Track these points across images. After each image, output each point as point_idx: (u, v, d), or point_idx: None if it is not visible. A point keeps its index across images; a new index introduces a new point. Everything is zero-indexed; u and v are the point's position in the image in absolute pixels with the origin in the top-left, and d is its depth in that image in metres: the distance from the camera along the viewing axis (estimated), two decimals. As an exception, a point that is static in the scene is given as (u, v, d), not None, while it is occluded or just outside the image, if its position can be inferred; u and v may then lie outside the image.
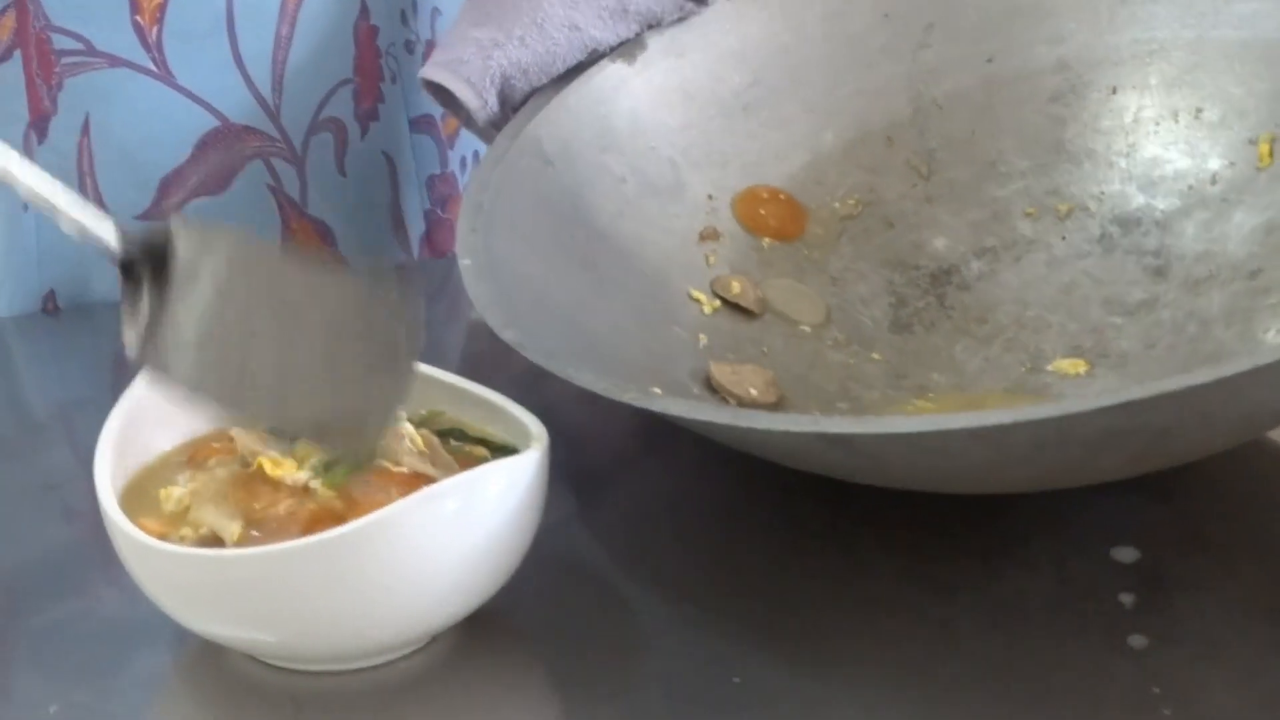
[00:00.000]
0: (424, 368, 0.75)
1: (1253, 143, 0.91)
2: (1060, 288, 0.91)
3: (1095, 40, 0.95)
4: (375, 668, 0.71)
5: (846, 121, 0.97)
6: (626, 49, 0.95)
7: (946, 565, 0.76)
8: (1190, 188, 0.91)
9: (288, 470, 0.71)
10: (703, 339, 0.87)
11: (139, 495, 0.73)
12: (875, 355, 0.89)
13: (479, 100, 0.93)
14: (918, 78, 0.97)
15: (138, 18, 0.99)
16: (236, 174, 1.04)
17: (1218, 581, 0.75)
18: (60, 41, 1.00)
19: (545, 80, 0.94)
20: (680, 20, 0.96)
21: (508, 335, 0.76)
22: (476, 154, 1.14)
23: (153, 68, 1.00)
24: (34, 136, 1.02)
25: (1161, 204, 0.92)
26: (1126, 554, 0.76)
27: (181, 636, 0.73)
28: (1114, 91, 0.95)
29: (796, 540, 0.79)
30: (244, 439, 0.73)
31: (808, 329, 0.90)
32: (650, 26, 0.96)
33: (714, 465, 0.83)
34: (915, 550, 0.77)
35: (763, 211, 0.92)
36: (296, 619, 0.68)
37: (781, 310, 0.90)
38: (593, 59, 0.94)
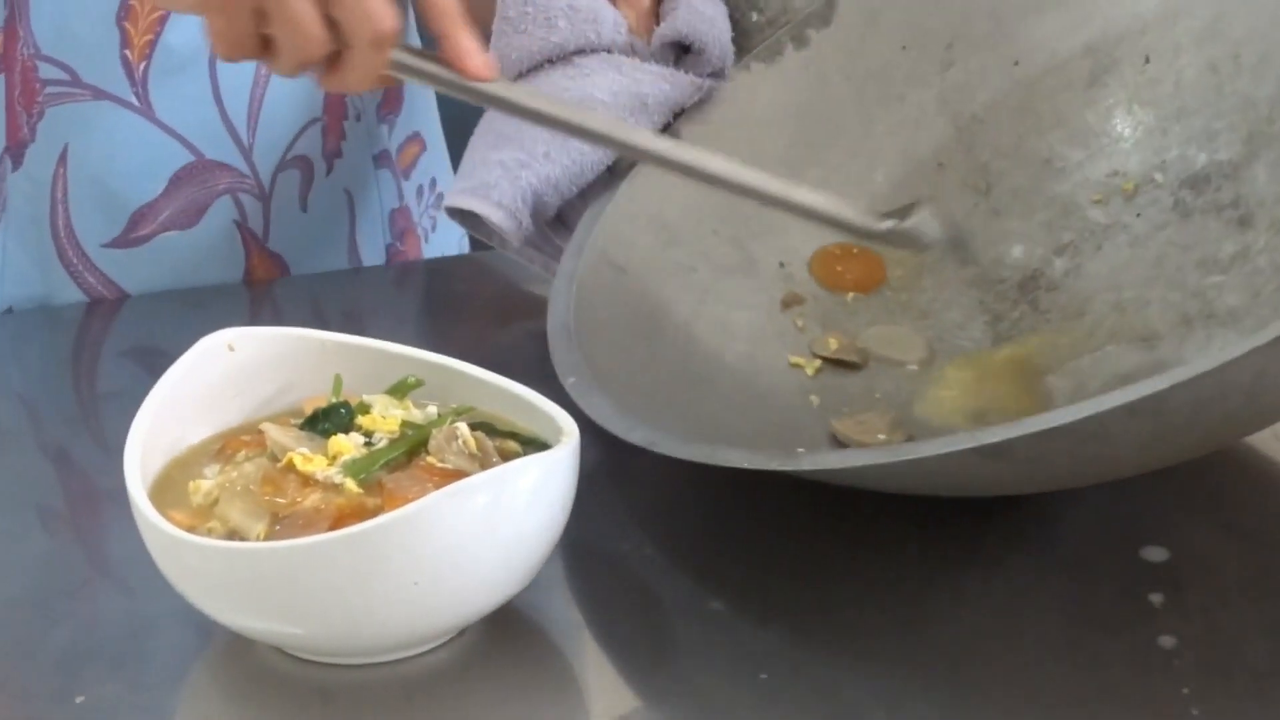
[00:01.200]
0: (456, 363, 0.76)
1: (1300, 73, 0.90)
2: (1149, 264, 0.90)
3: (1116, 15, 0.95)
4: (403, 661, 0.71)
5: (893, 157, 0.96)
6: (661, 142, 0.94)
7: (975, 566, 0.76)
8: (1250, 134, 0.90)
9: (318, 465, 0.72)
10: (815, 400, 0.87)
11: (168, 487, 0.73)
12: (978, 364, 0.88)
13: (514, 222, 0.93)
14: (951, 97, 0.97)
15: (127, 52, 1.00)
16: (206, 209, 1.05)
17: (1247, 582, 0.75)
18: (46, 71, 1.01)
19: (576, 190, 0.94)
20: (702, 101, 0.96)
21: (635, 437, 0.76)
22: (434, 182, 1.16)
23: (135, 101, 1.02)
24: (8, 163, 1.03)
25: (1225, 155, 0.91)
26: (1156, 554, 0.76)
27: (209, 629, 0.72)
28: (1147, 60, 0.94)
29: (825, 539, 0.79)
30: (274, 434, 0.73)
31: (915, 366, 0.89)
32: (674, 115, 0.95)
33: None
34: (944, 552, 0.77)
35: (839, 269, 0.91)
36: (325, 612, 0.68)
37: (884, 354, 0.89)
38: (618, 166, 0.94)
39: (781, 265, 0.93)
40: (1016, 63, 0.96)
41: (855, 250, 0.93)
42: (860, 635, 0.73)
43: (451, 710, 0.70)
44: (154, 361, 0.96)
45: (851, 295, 0.92)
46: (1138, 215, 0.92)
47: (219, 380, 0.78)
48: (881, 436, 0.83)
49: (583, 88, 0.94)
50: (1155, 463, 0.73)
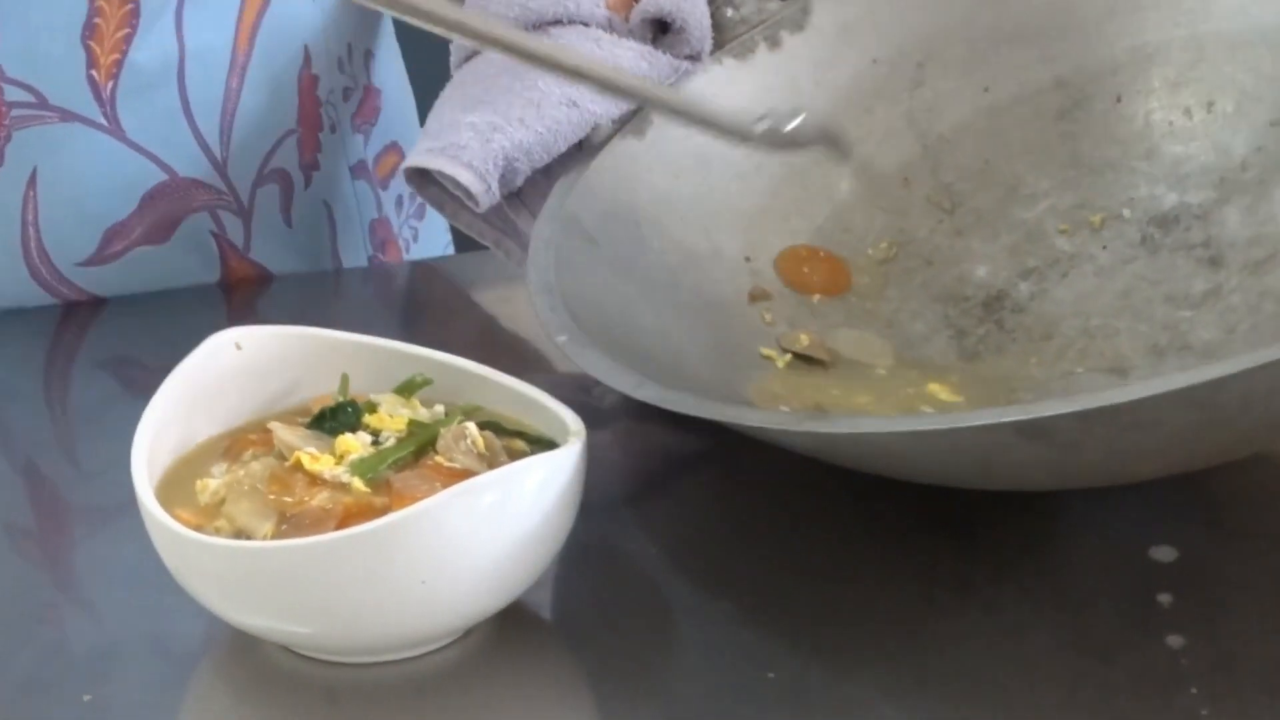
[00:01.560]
0: (464, 362, 0.77)
1: (1275, 124, 0.91)
2: (1116, 294, 0.90)
3: (1088, 55, 0.95)
4: (410, 660, 0.71)
5: (857, 168, 0.95)
6: (635, 125, 0.93)
7: (983, 565, 0.76)
8: (1222, 179, 0.91)
9: (325, 465, 0.72)
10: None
11: (176, 486, 0.74)
12: (953, 379, 0.87)
13: (483, 184, 0.90)
14: (919, 116, 0.96)
15: (93, 72, 0.98)
16: (179, 223, 1.03)
17: (1256, 582, 0.75)
18: (11, 93, 0.98)
19: (548, 159, 0.92)
20: (674, 85, 0.94)
21: (643, 393, 0.73)
22: (413, 192, 1.12)
23: (104, 122, 0.99)
24: None
25: (1195, 198, 0.91)
26: (1165, 554, 0.76)
27: (216, 627, 0.73)
28: (1119, 100, 0.95)
29: (833, 540, 0.78)
30: (282, 433, 0.73)
31: (883, 371, 0.87)
32: None
33: (750, 462, 0.81)
34: (952, 550, 0.77)
35: (806, 270, 0.90)
36: (332, 611, 0.68)
37: (853, 357, 0.88)
38: (595, 133, 0.92)
39: (747, 259, 0.91)
40: (987, 89, 0.96)
41: (822, 254, 0.92)
42: (867, 634, 0.73)
43: (459, 709, 0.70)
44: (129, 374, 0.98)
45: (817, 298, 0.90)
46: (1104, 247, 0.92)
47: (226, 379, 0.77)
48: (784, 408, 0.81)
49: (558, 57, 0.92)
50: (1182, 464, 0.73)
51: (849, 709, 0.69)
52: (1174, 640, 0.71)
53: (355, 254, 1.11)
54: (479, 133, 0.90)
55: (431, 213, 1.17)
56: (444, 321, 1.03)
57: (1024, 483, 0.73)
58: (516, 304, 0.98)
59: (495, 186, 0.90)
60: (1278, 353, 0.64)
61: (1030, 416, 0.66)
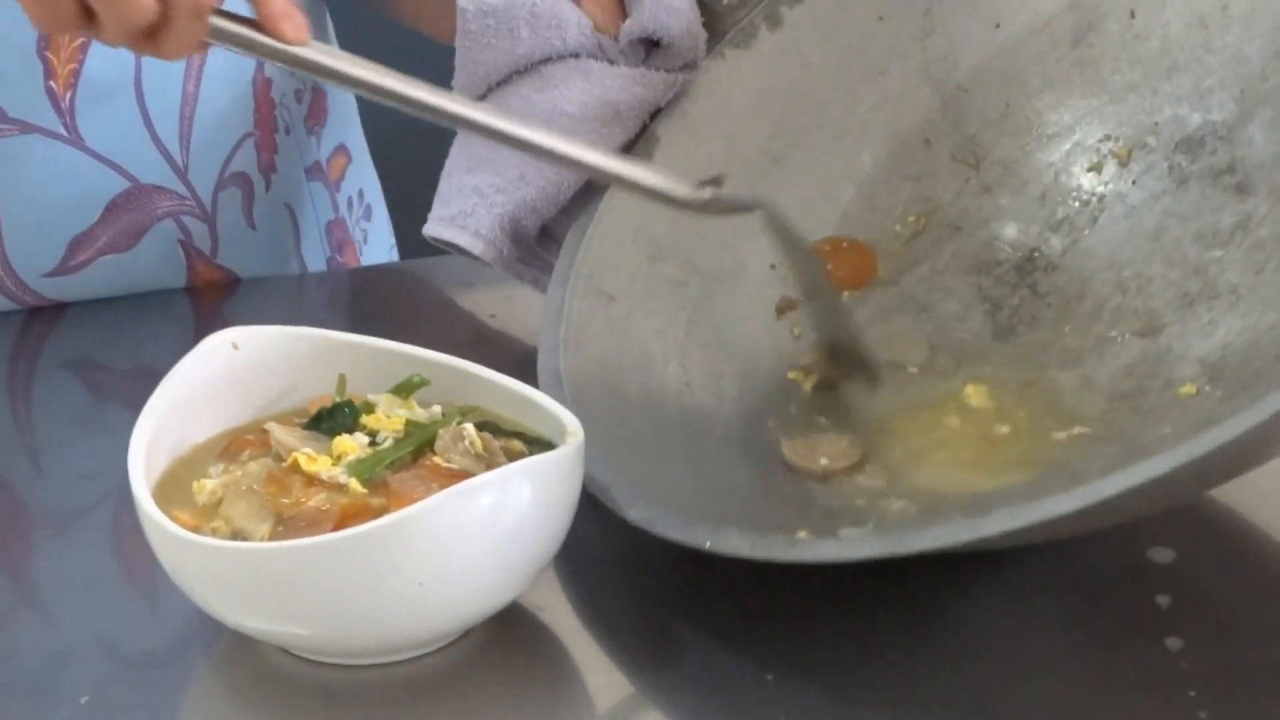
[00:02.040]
0: (461, 362, 0.77)
1: (1290, 23, 0.87)
2: (1147, 236, 0.88)
3: (1097, -33, 0.91)
4: (408, 661, 0.71)
5: (878, 136, 0.94)
6: (641, 148, 0.93)
7: (982, 567, 0.76)
8: (1243, 91, 0.87)
9: (323, 466, 0.72)
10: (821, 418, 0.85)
11: (173, 487, 0.73)
12: (987, 371, 0.86)
13: (494, 250, 0.92)
14: (934, 67, 0.94)
15: (51, 83, 0.99)
16: (145, 232, 1.04)
17: (1254, 583, 0.75)
18: None
19: (556, 210, 0.92)
20: (679, 96, 0.93)
21: (633, 515, 0.75)
22: (361, 193, 1.16)
23: (64, 132, 1.00)
24: None
25: (1218, 115, 0.88)
26: (1163, 555, 0.76)
27: (213, 629, 0.73)
28: (1133, 15, 0.91)
29: None
30: (279, 434, 0.73)
31: (915, 370, 0.87)
32: (651, 116, 0.93)
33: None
34: (949, 554, 0.74)
35: (830, 266, 0.89)
36: (330, 613, 0.68)
37: (885, 357, 0.88)
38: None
39: (773, 267, 0.91)
40: (998, 25, 0.93)
41: (845, 245, 0.91)
42: (866, 636, 0.73)
43: (456, 711, 0.70)
44: (94, 376, 0.98)
45: (846, 294, 0.90)
46: (1133, 183, 0.89)
47: (223, 379, 0.78)
48: (824, 461, 0.81)
49: (550, 100, 0.92)
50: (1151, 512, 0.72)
51: (847, 712, 0.69)
52: (1172, 642, 0.71)
53: (315, 255, 1.12)
54: (484, 197, 0.92)
55: (377, 214, 1.18)
56: (438, 322, 1.04)
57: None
58: (513, 304, 0.99)
59: (509, 248, 0.92)
60: (1214, 440, 0.63)
61: (978, 535, 0.66)
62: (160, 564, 0.71)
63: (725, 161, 0.92)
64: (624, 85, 0.92)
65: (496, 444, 0.73)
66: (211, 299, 1.07)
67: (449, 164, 0.95)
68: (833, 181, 0.93)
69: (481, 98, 0.94)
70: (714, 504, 0.77)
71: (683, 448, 0.82)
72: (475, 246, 0.91)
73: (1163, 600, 0.73)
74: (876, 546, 0.68)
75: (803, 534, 0.70)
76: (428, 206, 0.95)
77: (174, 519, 0.69)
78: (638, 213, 0.90)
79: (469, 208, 0.92)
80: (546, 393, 0.82)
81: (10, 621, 0.77)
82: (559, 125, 0.91)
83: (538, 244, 0.95)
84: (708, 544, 0.71)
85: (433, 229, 0.93)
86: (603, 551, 0.77)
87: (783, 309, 0.89)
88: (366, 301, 1.11)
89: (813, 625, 0.73)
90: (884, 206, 0.93)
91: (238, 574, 0.68)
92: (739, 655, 0.72)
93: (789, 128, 0.94)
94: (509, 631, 0.73)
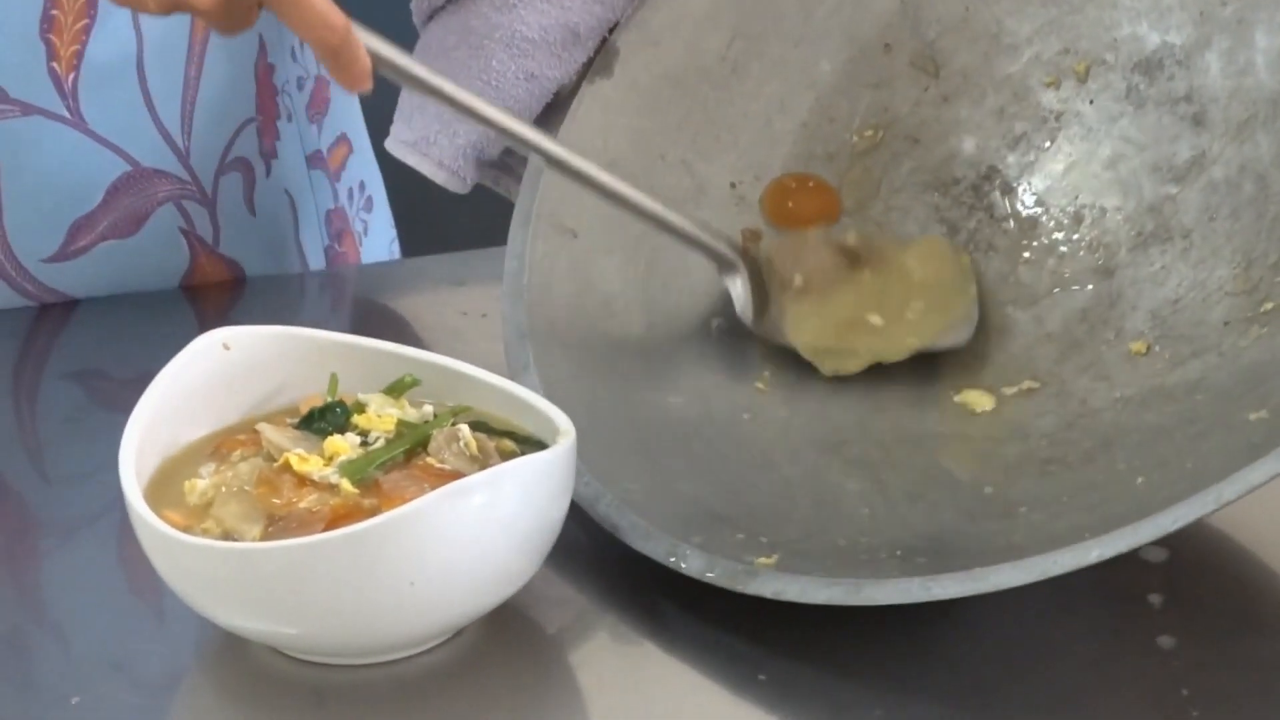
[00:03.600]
0: (453, 362, 0.76)
1: (1252, -51, 0.86)
2: (1104, 163, 0.89)
3: None
4: (399, 661, 0.71)
5: (837, 42, 0.93)
6: (600, 63, 0.92)
7: None
8: (1202, 14, 0.87)
9: (314, 466, 0.72)
10: (760, 385, 0.87)
11: (164, 486, 0.74)
12: None
13: (457, 180, 0.93)
14: (894, -33, 0.93)
15: (54, 64, 0.98)
16: (148, 217, 1.04)
17: (1246, 582, 0.75)
18: None
19: None
20: (638, 7, 0.92)
21: (599, 510, 0.76)
22: (362, 184, 1.16)
23: (66, 114, 1.00)
24: None
25: (1177, 38, 0.87)
26: (1156, 554, 0.76)
27: (204, 628, 0.73)
28: (1094, -80, 0.89)
29: None
30: (270, 434, 0.74)
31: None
32: (609, 30, 0.92)
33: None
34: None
35: (791, 204, 0.90)
36: (321, 613, 0.68)
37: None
38: (559, 99, 0.92)
39: (733, 186, 0.91)
40: (959, -78, 0.92)
41: (811, 183, 0.91)
42: (858, 636, 0.73)
43: (448, 711, 0.70)
44: (97, 384, 0.98)
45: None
46: (1090, 102, 0.90)
47: (214, 379, 0.77)
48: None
49: (509, 21, 0.91)
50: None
51: (839, 711, 0.70)
52: (1165, 641, 0.71)
53: (313, 243, 1.11)
54: (446, 124, 0.91)
55: (378, 205, 1.17)
56: (428, 321, 1.03)
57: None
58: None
59: (471, 174, 0.92)
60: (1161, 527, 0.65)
61: (930, 597, 0.69)
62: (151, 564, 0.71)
63: (684, 71, 0.92)
64: (583, 6, 0.91)
65: (491, 445, 0.73)
66: (215, 300, 1.06)
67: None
68: (790, 91, 0.93)
69: (440, 9, 0.93)
70: (681, 484, 0.80)
71: (647, 398, 0.83)
72: (438, 176, 0.92)
73: (1155, 599, 0.74)
74: (835, 594, 0.71)
75: (761, 559, 0.73)
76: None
77: (165, 519, 0.69)
78: (597, 134, 0.90)
79: (431, 135, 0.92)
80: (510, 346, 0.84)
81: (3, 623, 0.77)
82: (519, 49, 0.90)
83: (503, 154, 0.95)
84: (671, 559, 0.74)
85: (395, 149, 0.93)
86: (595, 551, 0.77)
87: (747, 239, 0.90)
88: (364, 302, 1.10)
89: (807, 624, 0.73)
90: (842, 117, 0.92)
91: (229, 574, 0.68)
92: (732, 654, 0.72)
93: (747, 33, 0.93)
94: (501, 631, 0.73)
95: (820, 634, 0.73)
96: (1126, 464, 0.77)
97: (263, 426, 0.75)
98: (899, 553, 0.73)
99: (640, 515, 0.76)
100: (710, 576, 0.73)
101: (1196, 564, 0.76)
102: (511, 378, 0.79)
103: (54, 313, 1.04)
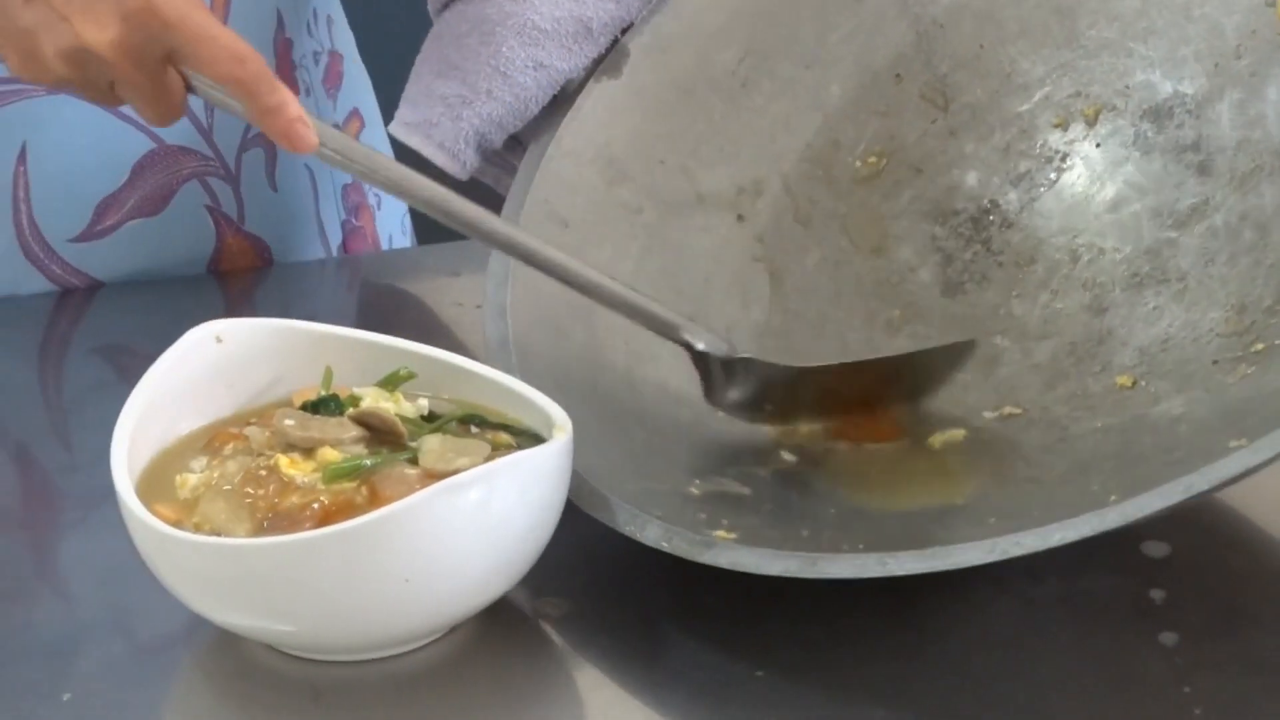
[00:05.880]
0: (449, 355, 0.76)
1: (1270, 4, 0.85)
2: (1106, 205, 0.88)
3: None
4: (394, 657, 0.71)
5: (849, 68, 0.93)
6: (610, 63, 0.92)
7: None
8: (1217, 66, 0.87)
9: (303, 470, 0.71)
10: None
11: (157, 480, 0.73)
12: (932, 329, 0.87)
13: (457, 164, 0.92)
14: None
15: None
16: (173, 195, 1.04)
17: (1249, 578, 0.74)
18: None
19: (521, 125, 0.92)
20: (650, 13, 0.92)
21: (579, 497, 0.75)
22: None
23: None
24: None
25: (1189, 88, 0.87)
26: (1158, 549, 0.75)
27: (198, 625, 0.72)
28: (1115, -31, 0.89)
29: None
30: (259, 438, 0.73)
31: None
32: (621, 31, 0.92)
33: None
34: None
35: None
36: (315, 609, 0.68)
37: None
38: (566, 91, 0.91)
39: (739, 192, 0.91)
40: (980, -39, 0.92)
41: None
42: (857, 632, 0.72)
43: (443, 707, 0.70)
44: (123, 361, 0.99)
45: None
46: (1097, 145, 0.89)
47: (208, 372, 0.77)
48: None
49: (523, 11, 0.91)
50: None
51: (838, 708, 0.69)
52: (1167, 637, 0.71)
53: (331, 218, 1.12)
54: (450, 108, 0.91)
55: None
56: (422, 313, 1.03)
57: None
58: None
59: (472, 160, 0.92)
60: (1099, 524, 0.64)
61: (886, 573, 0.68)
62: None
63: (693, 80, 0.92)
64: (598, 1, 0.91)
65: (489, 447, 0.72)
66: (240, 282, 1.06)
67: (419, 63, 0.94)
68: (798, 111, 0.92)
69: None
70: (649, 462, 0.78)
71: (624, 395, 0.82)
72: (438, 158, 0.91)
73: (1157, 595, 0.73)
74: (790, 566, 0.69)
75: (720, 533, 0.71)
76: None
77: (156, 513, 0.69)
78: (599, 129, 0.90)
79: (434, 117, 0.91)
80: (491, 329, 0.83)
81: (37, 610, 0.77)
82: (530, 38, 0.90)
83: (506, 148, 0.95)
84: (629, 529, 0.73)
85: (398, 131, 0.93)
86: (590, 546, 0.76)
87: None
88: (369, 289, 1.11)
89: (803, 621, 0.73)
90: (847, 142, 0.92)
91: (221, 570, 0.68)
92: (728, 651, 0.72)
93: (759, 50, 0.93)
94: (496, 627, 0.72)
95: (818, 630, 0.72)
96: (1101, 485, 0.75)
97: (252, 431, 0.73)
98: (861, 546, 0.72)
99: (604, 488, 0.74)
100: (666, 546, 0.72)
101: (1199, 560, 0.75)
102: (488, 350, 0.77)
103: (80, 294, 1.05)
